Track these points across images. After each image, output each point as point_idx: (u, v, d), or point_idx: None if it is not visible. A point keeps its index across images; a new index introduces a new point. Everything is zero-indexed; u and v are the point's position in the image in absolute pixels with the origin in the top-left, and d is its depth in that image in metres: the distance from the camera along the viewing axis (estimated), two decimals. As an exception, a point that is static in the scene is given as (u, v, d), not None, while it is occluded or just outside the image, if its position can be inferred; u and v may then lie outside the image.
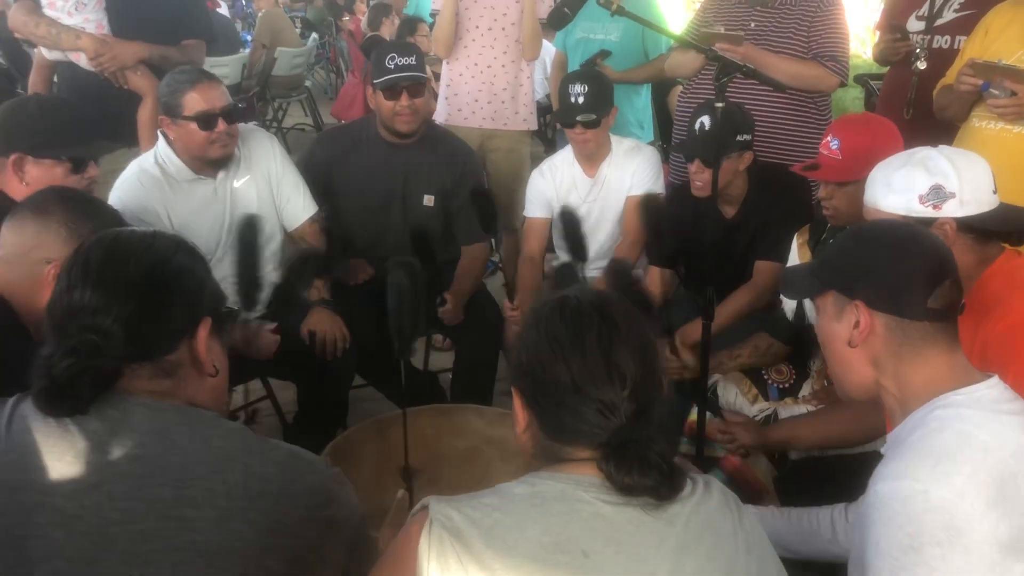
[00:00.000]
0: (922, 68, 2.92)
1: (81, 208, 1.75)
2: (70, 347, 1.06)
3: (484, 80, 3.51)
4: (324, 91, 9.52)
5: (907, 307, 1.29)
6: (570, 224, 2.35)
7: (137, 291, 1.13)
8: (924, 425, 1.25)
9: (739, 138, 2.54)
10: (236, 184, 2.58)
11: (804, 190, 2.71)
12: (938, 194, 1.66)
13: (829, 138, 2.18)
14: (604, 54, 3.68)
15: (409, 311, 1.91)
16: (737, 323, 2.58)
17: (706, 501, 1.09)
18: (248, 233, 2.08)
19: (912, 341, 1.30)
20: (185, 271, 1.20)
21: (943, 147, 1.74)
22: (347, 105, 6.35)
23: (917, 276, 1.29)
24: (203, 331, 1.19)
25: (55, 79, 3.23)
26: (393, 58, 2.74)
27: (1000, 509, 1.15)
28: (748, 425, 2.18)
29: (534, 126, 3.75)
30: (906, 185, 1.69)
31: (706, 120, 2.56)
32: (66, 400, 1.07)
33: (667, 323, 2.60)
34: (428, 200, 2.91)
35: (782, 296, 2.35)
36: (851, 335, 1.33)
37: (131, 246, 1.18)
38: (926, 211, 1.66)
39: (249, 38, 7.78)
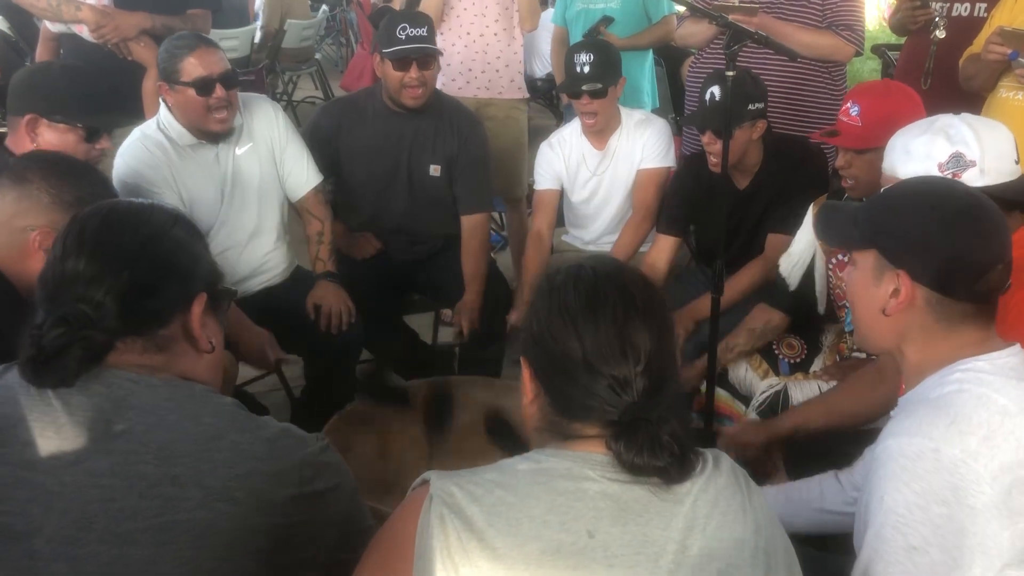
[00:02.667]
0: (941, 36, 2.85)
1: (62, 173, 1.72)
2: (60, 316, 1.04)
3: (477, 49, 3.46)
4: (335, 64, 9.45)
5: (955, 288, 1.24)
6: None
7: (131, 263, 1.11)
8: (942, 386, 1.22)
9: (751, 107, 2.48)
10: (238, 151, 2.55)
11: (821, 162, 2.66)
12: (958, 162, 1.62)
13: (849, 104, 2.13)
14: (607, 20, 3.64)
15: None
16: (742, 296, 2.54)
17: (715, 478, 1.06)
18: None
19: (949, 318, 1.25)
20: (182, 245, 1.18)
21: (965, 114, 1.69)
22: (356, 77, 6.29)
23: (972, 258, 1.23)
24: (197, 307, 1.16)
25: (61, 51, 3.20)
26: (404, 28, 2.68)
27: (1013, 474, 1.13)
28: (749, 427, 2.15)
29: (527, 94, 3.71)
30: (925, 152, 1.65)
31: (716, 90, 2.51)
32: (53, 371, 1.04)
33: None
34: (434, 170, 2.87)
35: (780, 266, 2.31)
36: (887, 303, 1.27)
37: (128, 217, 1.16)
38: None
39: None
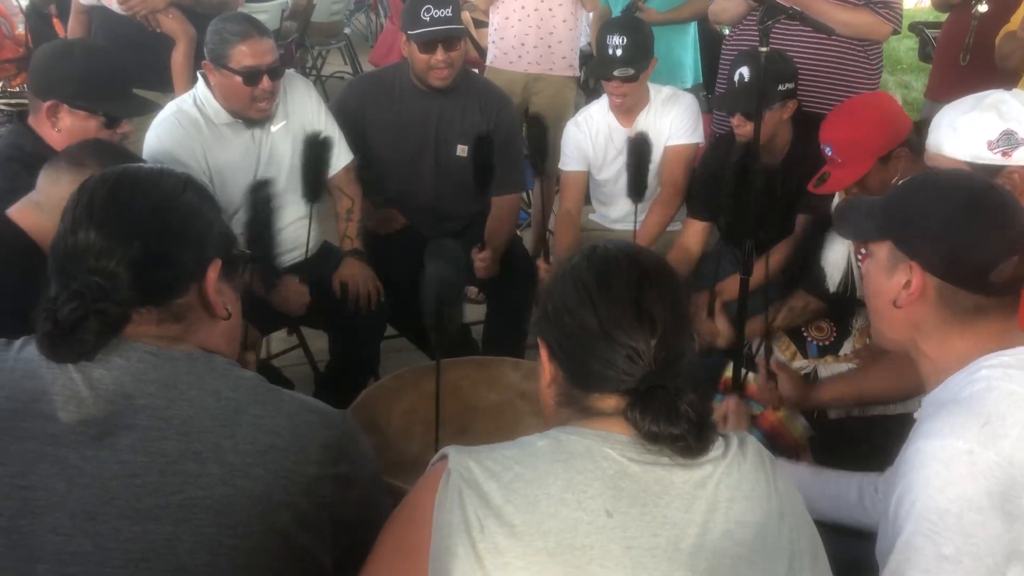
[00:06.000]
0: (983, 11, 2.78)
1: (116, 163, 1.73)
2: (74, 290, 1.02)
3: (531, 24, 3.46)
4: (364, 38, 9.41)
5: (966, 279, 1.21)
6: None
7: (142, 232, 1.08)
8: (970, 384, 1.19)
9: (781, 87, 2.44)
10: (273, 129, 2.55)
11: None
12: (1009, 140, 1.57)
13: (824, 147, 2.15)
14: None
15: (451, 301, 1.83)
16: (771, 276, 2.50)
17: (740, 462, 1.05)
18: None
19: (963, 312, 1.22)
20: (193, 211, 1.14)
21: (1017, 91, 1.64)
22: (385, 53, 6.26)
23: (984, 248, 1.20)
24: (212, 273, 1.14)
25: (92, 24, 3.22)
26: (428, 9, 2.63)
27: None
28: (794, 379, 2.13)
29: (578, 72, 3.69)
30: (974, 129, 1.60)
31: (745, 71, 2.47)
32: (71, 345, 1.02)
33: (709, 281, 2.55)
34: (462, 150, 2.85)
35: (825, 262, 2.27)
36: (899, 295, 1.26)
37: (136, 185, 1.13)
38: (994, 158, 1.58)
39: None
